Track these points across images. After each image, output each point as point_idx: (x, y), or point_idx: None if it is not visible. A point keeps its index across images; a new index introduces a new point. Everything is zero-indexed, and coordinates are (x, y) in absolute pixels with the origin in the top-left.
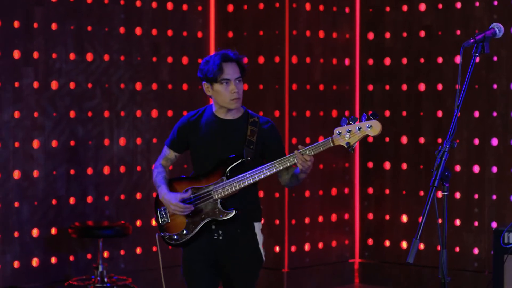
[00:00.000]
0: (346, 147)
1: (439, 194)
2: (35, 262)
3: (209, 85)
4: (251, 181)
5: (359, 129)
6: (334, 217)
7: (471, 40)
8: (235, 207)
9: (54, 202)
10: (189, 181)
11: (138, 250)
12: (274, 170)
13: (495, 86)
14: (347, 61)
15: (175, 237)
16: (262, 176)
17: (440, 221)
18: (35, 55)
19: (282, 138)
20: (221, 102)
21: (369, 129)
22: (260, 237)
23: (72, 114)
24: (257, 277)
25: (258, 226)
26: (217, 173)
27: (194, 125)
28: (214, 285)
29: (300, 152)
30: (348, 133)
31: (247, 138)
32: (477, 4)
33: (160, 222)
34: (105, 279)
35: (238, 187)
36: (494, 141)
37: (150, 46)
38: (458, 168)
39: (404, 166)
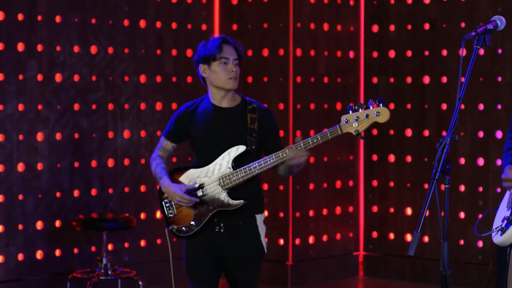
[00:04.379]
0: (354, 134)
1: (443, 187)
2: (39, 254)
3: (206, 66)
4: (259, 171)
5: (367, 116)
6: (338, 209)
7: (473, 33)
8: (241, 197)
9: (58, 194)
10: (192, 171)
11: (142, 243)
12: (281, 158)
13: (499, 78)
14: (351, 54)
15: (184, 229)
16: (269, 165)
17: (442, 213)
18: (39, 47)
19: (287, 130)
20: (218, 82)
21: (377, 116)
22: (262, 229)
23: (76, 106)
24: (259, 269)
25: (260, 218)
26: (222, 163)
27: (192, 115)
28: (216, 277)
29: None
30: (356, 121)
31: (248, 126)
32: None
33: (167, 215)
34: (109, 272)
35: (245, 177)
36: (499, 134)
37: (154, 38)
38: (462, 160)
39: (409, 158)
